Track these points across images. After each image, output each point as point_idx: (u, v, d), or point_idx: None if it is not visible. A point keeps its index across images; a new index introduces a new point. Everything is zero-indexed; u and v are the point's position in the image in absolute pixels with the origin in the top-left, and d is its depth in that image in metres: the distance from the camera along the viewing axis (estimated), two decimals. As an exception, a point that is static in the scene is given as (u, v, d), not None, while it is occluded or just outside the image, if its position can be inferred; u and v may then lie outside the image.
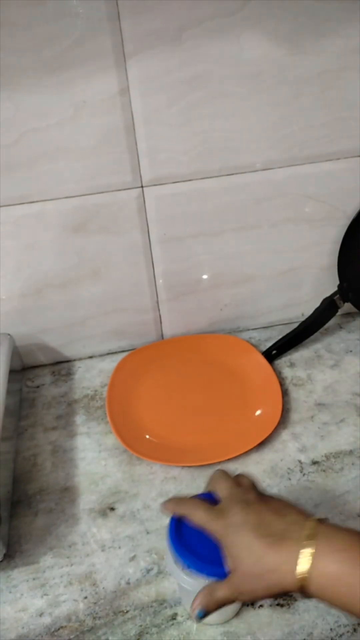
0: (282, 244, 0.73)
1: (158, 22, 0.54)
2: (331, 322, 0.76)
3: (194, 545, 0.43)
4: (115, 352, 0.79)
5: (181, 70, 0.57)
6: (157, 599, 0.51)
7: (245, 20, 0.55)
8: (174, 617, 0.49)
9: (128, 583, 0.52)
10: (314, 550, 0.31)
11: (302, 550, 0.31)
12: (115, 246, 0.68)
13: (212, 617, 0.43)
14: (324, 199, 0.69)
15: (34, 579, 0.53)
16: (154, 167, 0.63)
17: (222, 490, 0.44)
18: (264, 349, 0.76)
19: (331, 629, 0.48)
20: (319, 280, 0.77)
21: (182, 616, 0.49)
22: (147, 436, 0.65)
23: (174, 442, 0.65)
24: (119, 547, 0.55)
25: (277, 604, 0.50)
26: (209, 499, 0.45)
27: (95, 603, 0.51)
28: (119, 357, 0.76)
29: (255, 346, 0.77)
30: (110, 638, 0.48)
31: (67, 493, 0.60)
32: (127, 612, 0.50)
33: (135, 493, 0.60)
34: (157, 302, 0.75)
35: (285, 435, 0.65)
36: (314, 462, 0.62)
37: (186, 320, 0.78)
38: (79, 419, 0.69)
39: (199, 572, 0.42)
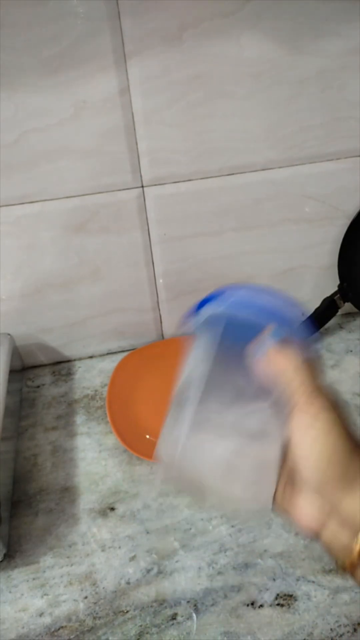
0: (282, 244, 0.73)
1: (158, 22, 0.54)
2: (331, 322, 0.76)
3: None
4: (115, 352, 0.79)
5: (181, 70, 0.57)
6: (157, 599, 0.51)
7: (245, 20, 0.55)
8: (174, 617, 0.49)
9: (128, 583, 0.52)
10: None
11: None
12: (116, 246, 0.68)
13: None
14: (324, 199, 0.69)
15: (34, 579, 0.53)
16: (154, 167, 0.63)
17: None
18: (264, 349, 0.76)
19: (331, 629, 0.48)
20: (319, 280, 0.77)
21: (182, 616, 0.49)
22: (147, 436, 0.65)
23: (174, 442, 0.65)
24: (119, 547, 0.55)
25: (277, 604, 0.50)
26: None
27: (95, 603, 0.51)
28: (119, 357, 0.76)
29: (255, 346, 0.77)
30: (110, 638, 0.48)
31: (67, 493, 0.60)
32: (127, 612, 0.50)
33: (135, 493, 0.60)
34: (157, 302, 0.75)
35: (285, 435, 0.65)
36: (314, 462, 0.62)
37: (186, 320, 0.78)
38: (79, 419, 0.69)
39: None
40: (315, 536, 0.33)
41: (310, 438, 0.31)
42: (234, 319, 0.34)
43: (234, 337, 0.34)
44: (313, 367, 0.33)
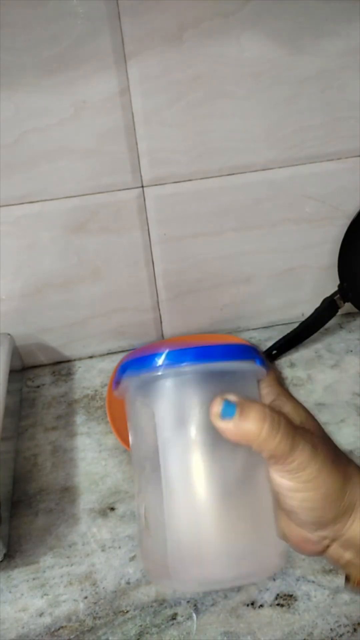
0: (282, 244, 0.73)
1: (158, 22, 0.54)
2: (331, 322, 0.76)
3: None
4: (115, 352, 0.79)
5: (181, 70, 0.57)
6: (157, 599, 0.51)
7: (245, 20, 0.55)
8: (174, 617, 0.49)
9: (128, 583, 0.52)
10: None
11: None
12: (115, 246, 0.68)
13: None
14: (324, 199, 0.69)
15: (34, 579, 0.53)
16: (154, 167, 0.63)
17: None
18: (264, 349, 0.76)
19: (331, 629, 0.48)
20: (319, 280, 0.77)
21: (182, 616, 0.49)
22: (147, 436, 0.65)
23: (174, 442, 0.64)
24: (119, 547, 0.55)
25: (277, 604, 0.50)
26: None
27: (95, 603, 0.51)
28: (119, 357, 0.76)
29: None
30: (110, 638, 0.48)
31: (67, 493, 0.60)
32: (127, 612, 0.50)
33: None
34: (157, 302, 0.75)
35: (285, 435, 0.65)
36: (314, 462, 0.62)
37: (186, 320, 0.78)
38: (79, 419, 0.69)
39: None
40: (318, 556, 0.33)
41: (298, 499, 0.30)
42: (181, 382, 0.30)
43: (186, 401, 0.30)
44: (281, 413, 0.30)
